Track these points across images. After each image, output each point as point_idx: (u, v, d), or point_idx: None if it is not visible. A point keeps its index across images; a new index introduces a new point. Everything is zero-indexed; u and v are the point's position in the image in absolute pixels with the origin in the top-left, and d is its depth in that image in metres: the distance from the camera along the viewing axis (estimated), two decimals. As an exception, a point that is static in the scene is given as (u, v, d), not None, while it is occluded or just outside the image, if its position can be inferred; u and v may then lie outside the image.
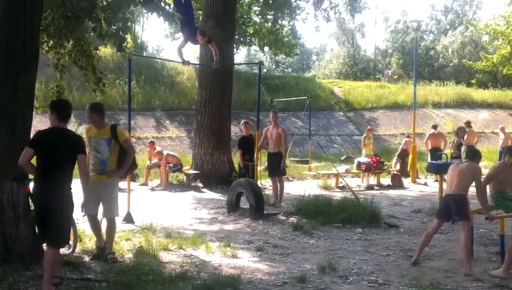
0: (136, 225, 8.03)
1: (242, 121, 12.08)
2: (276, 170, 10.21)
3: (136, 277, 5.23)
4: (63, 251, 5.92)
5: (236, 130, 20.28)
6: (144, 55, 29.04)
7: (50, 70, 9.18)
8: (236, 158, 12.24)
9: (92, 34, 7.98)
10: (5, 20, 5.56)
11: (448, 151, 13.76)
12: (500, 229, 6.28)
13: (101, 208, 6.18)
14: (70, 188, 4.80)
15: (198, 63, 14.66)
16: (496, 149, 18.77)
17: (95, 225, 6.24)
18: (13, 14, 5.52)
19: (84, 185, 4.94)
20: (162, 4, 7.20)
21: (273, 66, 39.28)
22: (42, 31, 7.32)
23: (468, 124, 15.90)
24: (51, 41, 8.43)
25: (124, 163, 6.05)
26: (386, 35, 53.38)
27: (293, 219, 8.72)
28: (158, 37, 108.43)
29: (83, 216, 6.05)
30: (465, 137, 14.58)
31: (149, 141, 15.34)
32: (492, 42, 32.30)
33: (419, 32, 18.42)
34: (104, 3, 7.49)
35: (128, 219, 8.23)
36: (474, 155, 6.57)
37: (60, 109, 5.01)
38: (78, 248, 6.28)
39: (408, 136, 16.09)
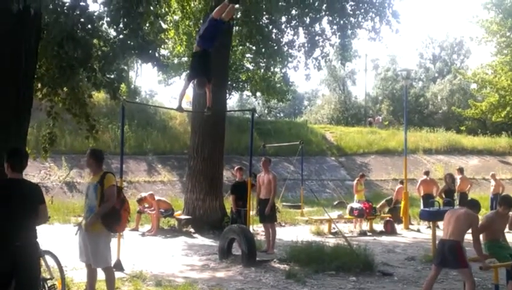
0: (126, 273, 7.86)
1: (236, 167, 12.05)
2: (267, 216, 10.13)
3: (124, 327, 5.07)
4: (50, 300, 5.77)
5: (229, 175, 20.26)
6: (137, 100, 29.32)
7: (42, 114, 9.18)
8: (229, 203, 12.15)
9: (87, 83, 8.02)
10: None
11: (438, 198, 13.77)
12: (495, 279, 6.21)
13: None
14: (36, 243, 4.59)
15: (190, 109, 14.78)
16: (487, 196, 18.80)
17: (89, 275, 6.07)
18: (6, 62, 5.56)
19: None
20: (157, 55, 7.32)
21: (266, 111, 39.69)
22: (36, 79, 7.35)
23: (460, 170, 15.98)
24: (45, 90, 8.46)
25: (98, 210, 5.76)
26: (376, 82, 54.45)
27: (285, 266, 8.58)
28: (151, 82, 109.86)
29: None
30: (458, 184, 14.65)
31: (149, 193, 14.66)
32: (480, 90, 32.98)
33: (409, 81, 18.79)
34: (99, 53, 7.58)
35: (118, 266, 8.05)
36: (474, 205, 6.53)
37: (14, 158, 4.64)
38: (66, 297, 6.10)
39: (401, 182, 16.10)
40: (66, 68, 7.51)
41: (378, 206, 14.93)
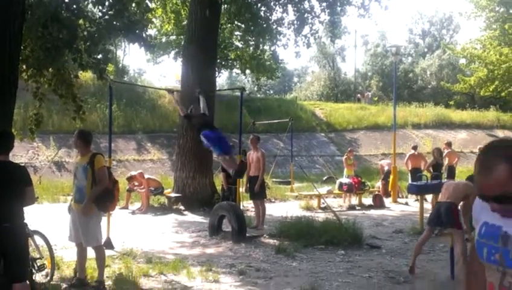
0: (116, 251, 7.90)
1: None
2: (256, 193, 10.19)
3: (115, 304, 5.12)
4: (40, 279, 5.80)
5: (219, 153, 20.23)
6: (126, 79, 29.02)
7: (29, 95, 9.06)
8: (219, 180, 12.18)
9: (73, 64, 7.90)
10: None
11: (426, 172, 13.92)
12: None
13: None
14: (23, 224, 4.62)
15: (179, 88, 14.68)
16: (474, 169, 19.03)
17: (80, 254, 6.08)
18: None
19: None
20: (144, 35, 7.22)
21: (255, 89, 39.55)
22: (21, 61, 7.23)
23: (449, 144, 16.11)
24: (30, 71, 8.34)
25: (90, 194, 5.77)
26: (366, 58, 54.32)
27: (275, 242, 8.68)
28: (140, 60, 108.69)
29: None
30: (446, 157, 14.78)
31: (139, 171, 14.63)
32: (469, 65, 33.03)
33: (398, 57, 18.79)
34: (85, 34, 7.46)
35: (108, 244, 8.07)
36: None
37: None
38: (56, 276, 6.13)
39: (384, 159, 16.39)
40: (51, 49, 7.37)
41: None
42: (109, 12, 8.01)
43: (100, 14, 8.25)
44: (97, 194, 5.79)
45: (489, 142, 1.85)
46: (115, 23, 7.96)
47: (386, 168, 15.86)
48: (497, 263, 1.87)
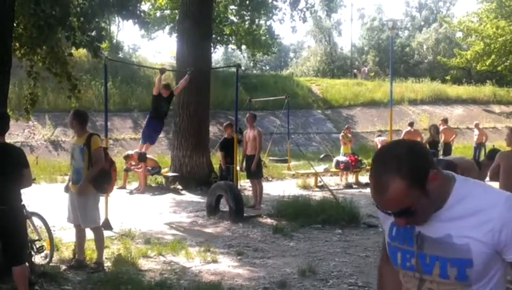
0: (114, 231, 7.93)
1: (225, 123, 11.96)
2: (253, 172, 10.20)
3: (114, 286, 5.16)
4: (39, 261, 5.83)
5: (215, 131, 20.23)
6: (120, 55, 28.72)
7: (23, 72, 8.94)
8: (216, 159, 12.17)
9: (66, 42, 7.78)
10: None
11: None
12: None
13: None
14: (21, 205, 4.65)
15: (175, 64, 14.55)
16: (470, 145, 19.10)
17: (78, 235, 6.10)
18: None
19: None
20: (138, 12, 7.11)
21: (251, 64, 39.28)
22: (14, 38, 7.12)
23: (445, 121, 16.09)
24: (23, 50, 8.21)
25: (86, 175, 5.74)
26: (362, 32, 53.92)
27: (272, 221, 8.73)
28: (134, 36, 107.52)
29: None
30: (442, 134, 14.79)
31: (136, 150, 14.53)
32: (466, 39, 32.90)
33: (394, 31, 18.61)
34: (78, 10, 7.33)
35: (106, 225, 8.09)
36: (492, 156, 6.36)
37: None
38: (55, 257, 6.16)
39: (379, 136, 16.39)
40: (44, 27, 7.26)
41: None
42: (102, -12, 7.88)
43: (93, -10, 8.11)
44: (93, 175, 5.77)
45: (379, 153, 1.64)
46: (108, -1, 7.84)
47: (379, 145, 15.89)
48: (413, 269, 1.70)
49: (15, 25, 6.94)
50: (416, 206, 1.58)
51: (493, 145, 13.76)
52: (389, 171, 1.55)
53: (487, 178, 6.92)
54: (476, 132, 18.35)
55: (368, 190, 13.03)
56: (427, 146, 13.76)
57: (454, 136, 15.85)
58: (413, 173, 1.55)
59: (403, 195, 1.55)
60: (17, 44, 8.03)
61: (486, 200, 1.60)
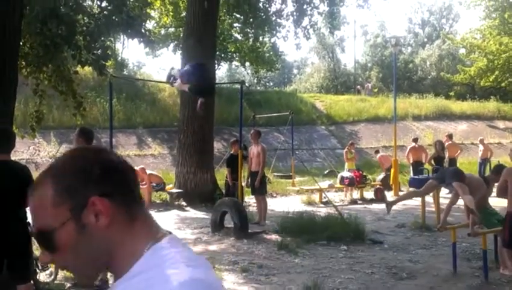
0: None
1: (231, 140, 11.98)
2: (257, 189, 10.18)
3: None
4: (44, 278, 5.82)
5: (219, 147, 20.25)
6: (125, 72, 28.94)
7: (29, 89, 9.04)
8: (221, 175, 12.16)
9: (72, 60, 7.87)
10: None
11: (427, 165, 13.91)
12: (483, 245, 6.35)
13: None
14: (25, 224, 4.62)
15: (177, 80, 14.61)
16: (475, 160, 19.02)
17: None
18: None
19: None
20: (143, 30, 7.20)
21: (255, 81, 39.48)
22: (21, 57, 7.21)
23: (450, 137, 16.09)
24: (29, 68, 8.30)
25: None
26: (365, 49, 54.16)
27: (277, 238, 8.69)
28: (139, 53, 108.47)
29: None
30: (447, 150, 14.77)
31: (140, 167, 14.56)
32: (469, 55, 33.00)
33: (397, 48, 18.73)
34: (84, 29, 7.43)
35: (111, 241, 8.09)
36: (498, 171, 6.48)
37: (1, 139, 4.37)
38: (60, 275, 6.14)
39: (377, 152, 16.50)
40: (50, 46, 7.34)
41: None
42: (108, 8, 7.97)
43: (99, 9, 8.22)
44: None
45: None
46: (113, 18, 7.92)
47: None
48: None
49: (21, 43, 7.03)
50: (63, 238, 1.07)
51: (498, 161, 13.70)
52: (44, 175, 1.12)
53: (493, 193, 6.91)
54: (481, 147, 18.30)
55: (373, 206, 13.00)
56: (433, 162, 13.75)
57: (459, 151, 15.82)
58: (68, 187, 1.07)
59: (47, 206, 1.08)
60: (23, 62, 8.13)
61: (153, 286, 0.98)
